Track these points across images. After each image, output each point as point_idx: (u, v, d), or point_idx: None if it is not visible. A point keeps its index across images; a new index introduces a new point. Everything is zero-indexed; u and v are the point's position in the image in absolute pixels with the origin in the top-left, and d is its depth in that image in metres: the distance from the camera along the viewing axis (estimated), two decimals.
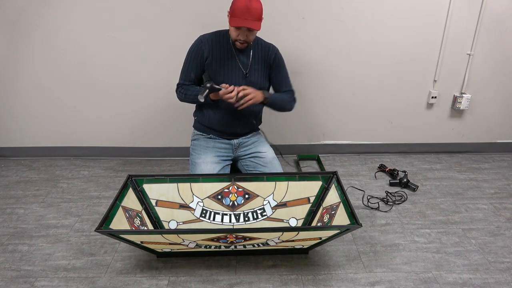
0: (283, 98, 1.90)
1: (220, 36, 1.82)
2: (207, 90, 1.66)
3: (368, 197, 2.07)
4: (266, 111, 1.99)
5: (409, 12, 2.20)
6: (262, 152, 1.93)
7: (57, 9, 2.14)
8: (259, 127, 2.08)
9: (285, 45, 2.25)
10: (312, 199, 1.69)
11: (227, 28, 1.77)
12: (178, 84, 1.88)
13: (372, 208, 1.98)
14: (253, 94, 1.71)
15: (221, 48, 1.80)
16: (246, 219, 1.69)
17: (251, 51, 1.84)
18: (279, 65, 1.91)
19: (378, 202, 2.02)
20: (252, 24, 1.65)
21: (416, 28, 2.25)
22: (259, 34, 1.97)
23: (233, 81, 1.79)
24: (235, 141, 1.95)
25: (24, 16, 2.16)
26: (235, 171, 2.01)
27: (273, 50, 1.90)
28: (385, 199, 2.05)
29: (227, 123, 1.89)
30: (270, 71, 1.90)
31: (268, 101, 1.81)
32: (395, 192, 2.11)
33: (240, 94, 1.68)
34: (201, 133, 1.97)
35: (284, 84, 1.94)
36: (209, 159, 1.87)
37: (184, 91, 1.84)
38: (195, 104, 1.96)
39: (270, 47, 1.89)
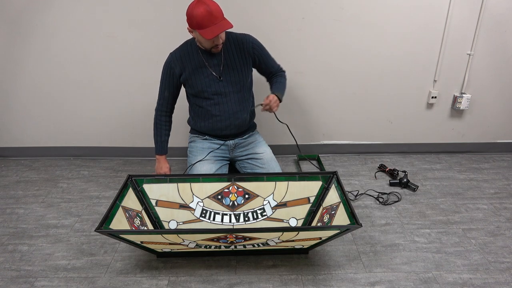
0: (283, 83, 1.93)
1: (187, 48, 1.81)
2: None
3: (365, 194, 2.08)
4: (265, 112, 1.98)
5: (409, 12, 2.20)
6: (259, 153, 1.93)
7: (57, 9, 2.14)
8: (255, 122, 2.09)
9: (285, 45, 2.26)
10: (312, 199, 1.69)
11: (193, 36, 1.74)
12: (155, 109, 1.93)
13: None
14: (274, 108, 1.79)
15: (191, 59, 1.80)
16: (246, 219, 1.69)
17: (222, 51, 1.79)
18: (260, 52, 1.86)
19: (377, 196, 2.03)
20: (225, 25, 1.61)
21: (416, 28, 2.25)
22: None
23: (210, 87, 1.81)
24: (230, 142, 1.95)
25: (24, 16, 2.16)
26: (234, 173, 2.01)
27: (248, 40, 1.83)
28: (380, 198, 2.05)
29: (218, 129, 1.91)
30: (253, 61, 1.87)
31: (281, 97, 1.86)
32: (390, 193, 2.11)
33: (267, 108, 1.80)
34: (196, 135, 1.99)
35: (272, 67, 1.94)
36: (205, 160, 1.88)
37: (155, 126, 1.92)
38: (188, 113, 2.01)
39: (243, 39, 1.83)
